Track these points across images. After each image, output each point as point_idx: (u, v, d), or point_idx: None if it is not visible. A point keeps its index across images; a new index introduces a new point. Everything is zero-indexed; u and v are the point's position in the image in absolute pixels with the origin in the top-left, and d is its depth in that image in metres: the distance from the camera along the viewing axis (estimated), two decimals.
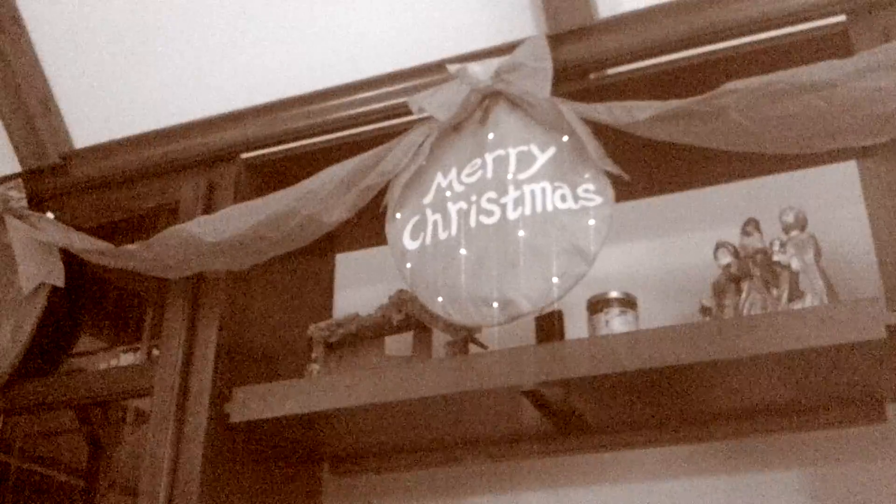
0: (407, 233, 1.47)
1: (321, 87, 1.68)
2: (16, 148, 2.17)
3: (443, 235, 1.43)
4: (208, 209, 1.65)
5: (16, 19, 2.09)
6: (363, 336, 1.65)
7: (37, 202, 1.84)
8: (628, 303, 1.47)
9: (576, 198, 1.34)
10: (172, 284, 1.63)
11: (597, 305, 1.47)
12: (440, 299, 1.40)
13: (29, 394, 1.72)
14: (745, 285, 1.40)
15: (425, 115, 1.51)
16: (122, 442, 1.91)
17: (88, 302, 1.89)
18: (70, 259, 1.74)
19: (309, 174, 1.51)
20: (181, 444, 1.50)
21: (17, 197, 1.78)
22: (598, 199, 1.33)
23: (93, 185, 1.84)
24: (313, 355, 1.65)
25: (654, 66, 1.51)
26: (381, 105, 1.63)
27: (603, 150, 1.35)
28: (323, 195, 1.49)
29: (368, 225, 1.56)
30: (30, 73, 2.11)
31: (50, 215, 1.77)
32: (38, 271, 1.70)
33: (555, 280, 1.31)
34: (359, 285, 1.94)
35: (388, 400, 1.44)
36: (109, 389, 1.66)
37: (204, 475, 1.47)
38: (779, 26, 1.43)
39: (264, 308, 1.71)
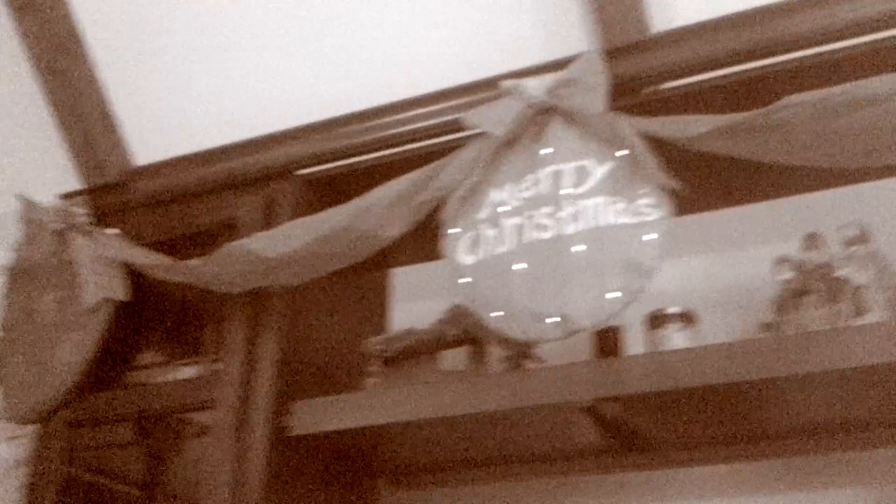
0: (462, 248, 1.47)
1: (376, 104, 1.69)
2: (77, 165, 2.22)
3: (498, 250, 1.43)
4: (267, 225, 1.67)
5: (76, 37, 2.14)
6: (419, 351, 1.65)
7: (99, 218, 1.87)
8: (688, 318, 1.45)
9: (633, 212, 1.34)
10: (232, 299, 1.65)
11: (656, 321, 1.46)
12: (496, 314, 1.40)
13: (93, 407, 1.76)
14: (806, 301, 1.38)
15: (480, 130, 1.51)
16: (180, 454, 1.94)
17: (149, 316, 1.92)
18: (131, 274, 1.77)
19: (365, 190, 1.52)
20: (242, 456, 1.51)
21: (81, 213, 1.82)
22: (656, 214, 1.32)
23: (154, 201, 1.87)
24: (370, 369, 1.66)
25: (711, 80, 1.50)
26: (436, 121, 1.64)
27: (660, 164, 1.35)
28: (379, 211, 1.50)
29: (423, 239, 1.56)
30: (90, 90, 2.16)
31: (113, 231, 1.81)
32: (101, 286, 1.73)
33: (613, 295, 1.30)
34: (414, 300, 1.95)
35: (444, 415, 1.45)
36: (171, 402, 1.68)
37: (265, 488, 1.48)
38: (838, 39, 1.41)
39: (321, 322, 1.72)
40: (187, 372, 1.80)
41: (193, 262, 1.61)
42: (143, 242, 1.79)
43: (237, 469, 1.51)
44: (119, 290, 1.73)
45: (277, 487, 1.52)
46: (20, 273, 1.90)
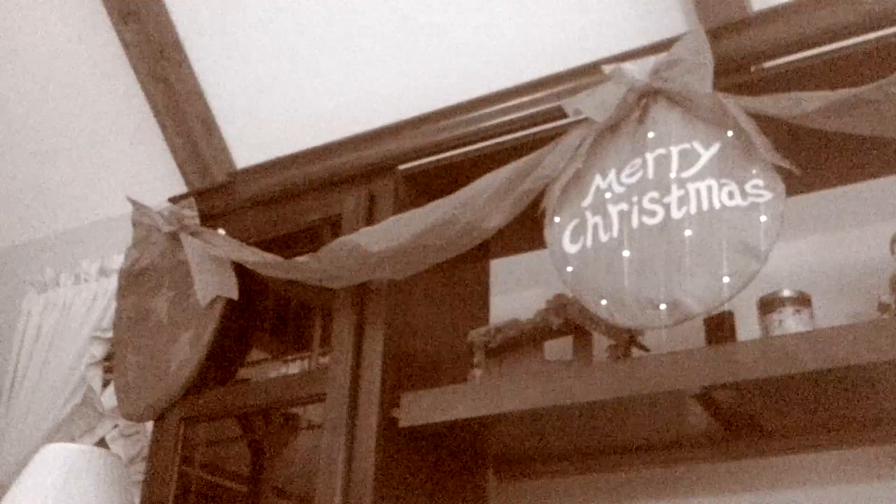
0: (567, 236, 1.46)
1: (474, 96, 1.70)
2: (182, 169, 2.29)
3: (604, 238, 1.42)
4: (369, 221, 1.69)
5: (177, 45, 2.20)
6: (523, 341, 1.65)
7: (206, 220, 1.92)
8: (802, 301, 1.42)
9: (744, 194, 1.31)
10: (339, 294, 1.67)
11: (769, 305, 1.42)
12: (604, 302, 1.38)
13: (206, 403, 1.80)
14: None
15: (581, 117, 1.50)
16: (283, 448, 1.98)
17: (257, 313, 1.96)
18: (239, 272, 1.80)
19: (466, 182, 1.53)
20: (354, 448, 1.53)
21: (191, 215, 1.87)
22: (768, 195, 1.29)
23: (258, 201, 1.91)
24: (475, 360, 1.66)
25: (816, 56, 1.45)
26: (536, 110, 1.63)
27: (770, 143, 1.32)
28: (481, 202, 1.50)
29: (521, 229, 1.56)
30: (192, 97, 2.22)
31: (221, 231, 1.85)
32: (213, 285, 1.77)
33: (725, 279, 1.27)
34: (513, 290, 1.95)
35: (551, 404, 1.44)
36: (281, 397, 1.71)
37: (377, 479, 1.50)
38: None
39: (425, 314, 1.74)
40: (295, 367, 1.83)
41: (301, 258, 1.64)
42: (249, 242, 1.82)
43: (349, 460, 1.53)
44: (230, 289, 1.78)
45: (388, 478, 1.53)
46: (132, 275, 1.96)
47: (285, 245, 1.81)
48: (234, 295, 1.77)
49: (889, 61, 1.32)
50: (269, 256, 1.71)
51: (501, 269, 2.00)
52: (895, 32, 1.39)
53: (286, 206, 1.86)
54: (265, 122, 2.13)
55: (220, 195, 1.95)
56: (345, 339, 1.62)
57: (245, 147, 2.17)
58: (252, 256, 1.73)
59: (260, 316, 1.97)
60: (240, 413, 1.84)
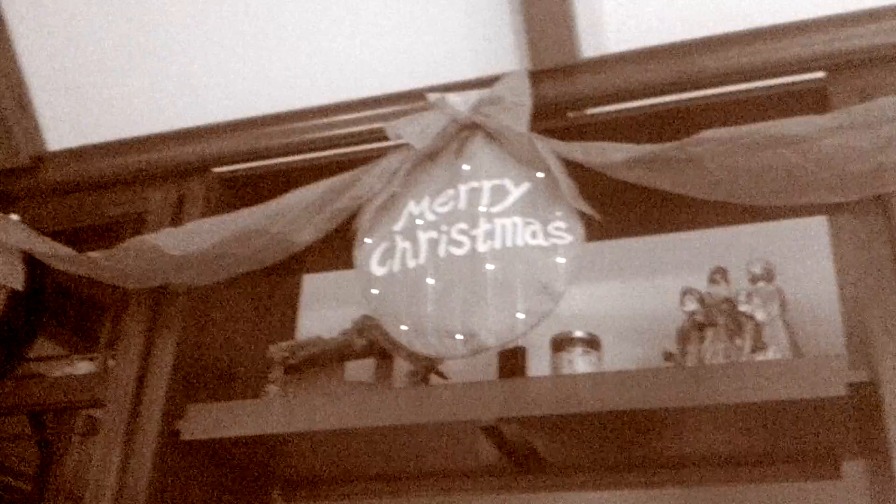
0: (375, 258, 1.45)
1: (299, 107, 1.66)
2: None
3: (411, 264, 1.42)
4: (177, 221, 1.63)
5: None
6: (324, 360, 1.63)
7: (4, 203, 1.80)
8: (592, 343, 1.46)
9: (546, 235, 1.34)
10: (133, 295, 1.60)
11: (561, 344, 1.46)
12: (404, 328, 1.38)
13: None
14: (709, 333, 1.40)
15: (402, 141, 1.50)
16: (75, 450, 1.87)
17: (47, 307, 1.85)
18: (31, 263, 1.70)
19: (281, 192, 1.50)
20: (129, 458, 1.46)
21: None
22: (569, 238, 1.33)
23: (62, 189, 1.80)
24: (271, 377, 1.62)
25: (634, 109, 1.51)
26: (358, 129, 1.61)
27: (576, 188, 1.35)
28: (293, 215, 1.47)
29: (337, 247, 1.54)
30: (7, 71, 2.08)
31: (14, 217, 1.74)
32: None
33: (520, 316, 1.30)
34: (324, 308, 1.92)
35: (344, 426, 1.42)
36: (62, 397, 1.62)
37: (151, 492, 1.43)
38: (759, 78, 1.44)
39: (225, 325, 1.68)
40: (84, 367, 1.73)
41: (96, 254, 1.55)
42: (48, 231, 1.71)
43: (123, 470, 1.45)
44: (15, 279, 1.66)
45: (164, 493, 1.46)
46: None
47: (86, 238, 1.71)
48: (20, 286, 1.66)
49: (695, 122, 1.37)
50: (61, 248, 1.61)
51: (316, 285, 1.96)
52: (703, 95, 1.47)
53: (91, 197, 1.77)
54: (84, 107, 2.02)
55: (21, 178, 1.83)
56: (133, 342, 1.54)
57: (60, 131, 2.05)
58: (43, 247, 1.63)
59: (51, 310, 1.86)
60: (14, 411, 1.72)
